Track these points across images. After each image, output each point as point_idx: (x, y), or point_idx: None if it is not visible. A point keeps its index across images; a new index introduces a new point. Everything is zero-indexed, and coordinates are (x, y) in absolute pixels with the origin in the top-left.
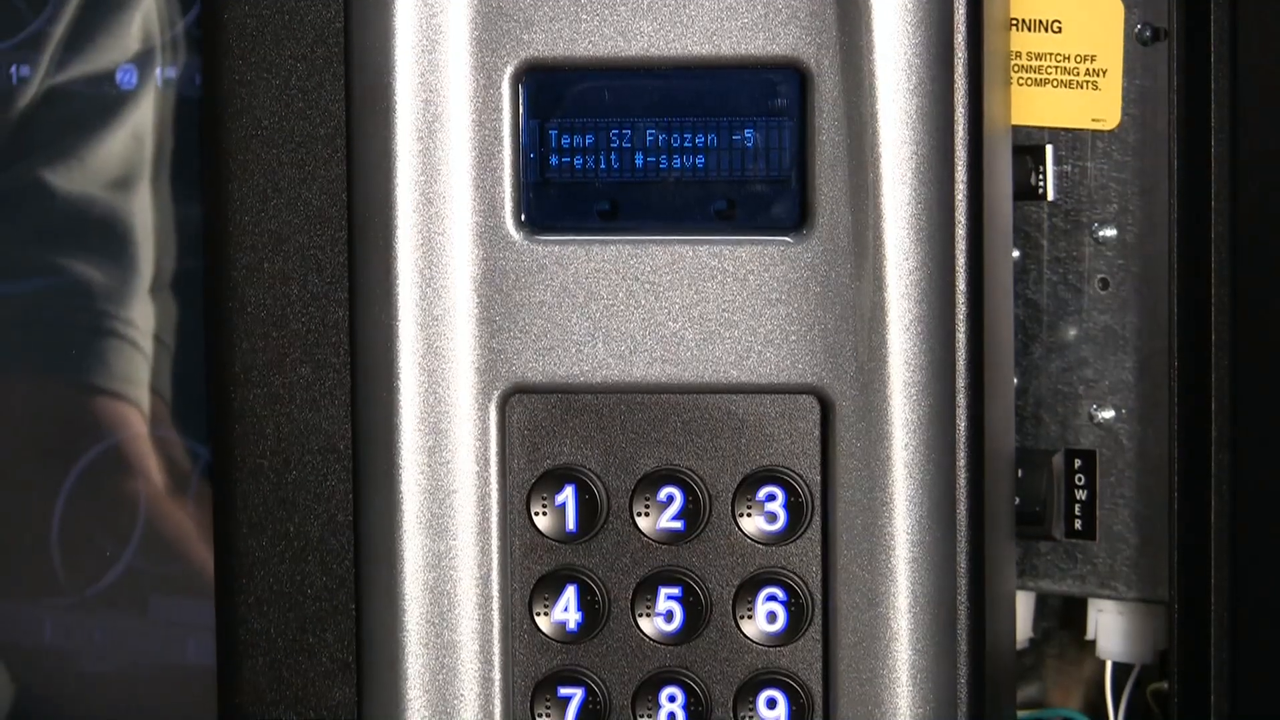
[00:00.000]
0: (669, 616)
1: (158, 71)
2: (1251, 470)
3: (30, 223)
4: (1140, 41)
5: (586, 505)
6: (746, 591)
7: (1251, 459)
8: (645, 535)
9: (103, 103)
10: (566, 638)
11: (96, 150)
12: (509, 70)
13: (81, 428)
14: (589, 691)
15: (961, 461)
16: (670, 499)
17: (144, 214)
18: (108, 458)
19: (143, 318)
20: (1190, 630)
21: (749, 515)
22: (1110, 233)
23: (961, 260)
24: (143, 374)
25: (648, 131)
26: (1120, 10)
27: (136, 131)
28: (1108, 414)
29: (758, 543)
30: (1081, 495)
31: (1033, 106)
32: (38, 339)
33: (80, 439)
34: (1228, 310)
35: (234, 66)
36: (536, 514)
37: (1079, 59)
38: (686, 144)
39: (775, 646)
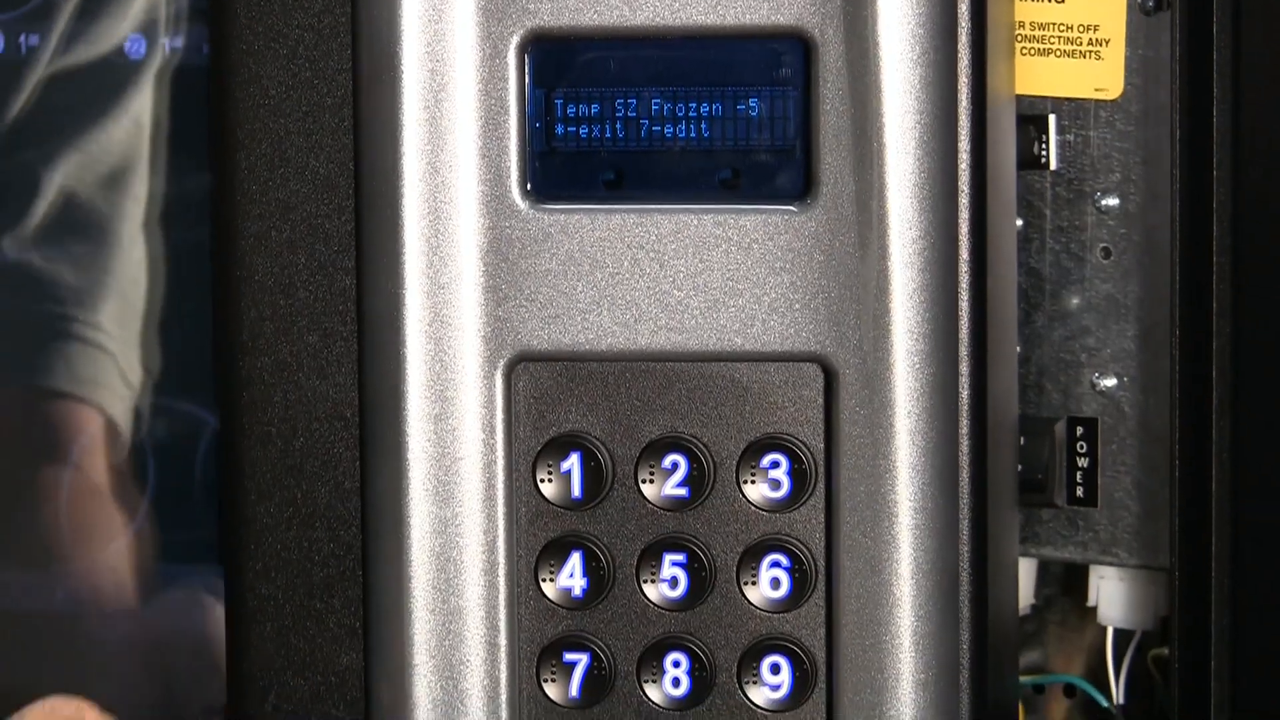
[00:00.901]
0: (673, 583)
1: (164, 41)
2: (1252, 438)
3: (19, 211)
4: (1143, 11)
5: (591, 472)
6: (750, 558)
7: (1252, 427)
8: (650, 502)
9: (111, 75)
10: (572, 604)
11: (101, 134)
12: (515, 40)
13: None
14: (594, 657)
15: (964, 429)
16: (675, 466)
17: (136, 206)
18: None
19: (110, 319)
20: (1191, 597)
21: (753, 482)
22: (1113, 202)
23: (965, 229)
24: (107, 378)
25: (653, 101)
26: None
27: (139, 110)
28: (1110, 382)
29: (762, 510)
30: (1083, 463)
31: (1036, 76)
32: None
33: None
34: (1229, 279)
35: (241, 36)
36: (542, 481)
37: (1082, 29)
38: (691, 113)
39: (779, 613)
